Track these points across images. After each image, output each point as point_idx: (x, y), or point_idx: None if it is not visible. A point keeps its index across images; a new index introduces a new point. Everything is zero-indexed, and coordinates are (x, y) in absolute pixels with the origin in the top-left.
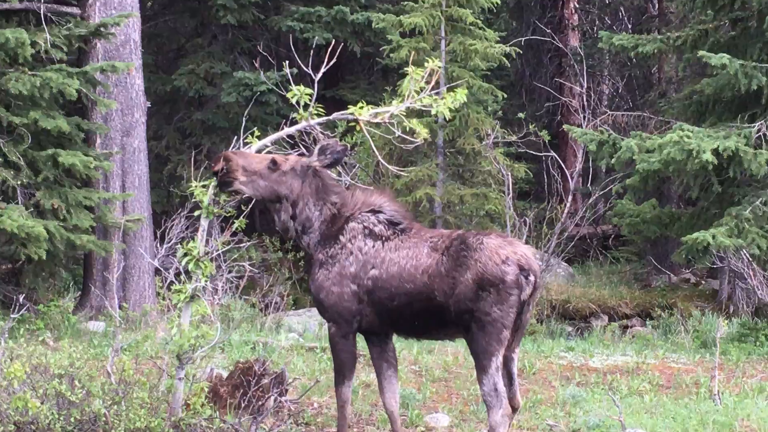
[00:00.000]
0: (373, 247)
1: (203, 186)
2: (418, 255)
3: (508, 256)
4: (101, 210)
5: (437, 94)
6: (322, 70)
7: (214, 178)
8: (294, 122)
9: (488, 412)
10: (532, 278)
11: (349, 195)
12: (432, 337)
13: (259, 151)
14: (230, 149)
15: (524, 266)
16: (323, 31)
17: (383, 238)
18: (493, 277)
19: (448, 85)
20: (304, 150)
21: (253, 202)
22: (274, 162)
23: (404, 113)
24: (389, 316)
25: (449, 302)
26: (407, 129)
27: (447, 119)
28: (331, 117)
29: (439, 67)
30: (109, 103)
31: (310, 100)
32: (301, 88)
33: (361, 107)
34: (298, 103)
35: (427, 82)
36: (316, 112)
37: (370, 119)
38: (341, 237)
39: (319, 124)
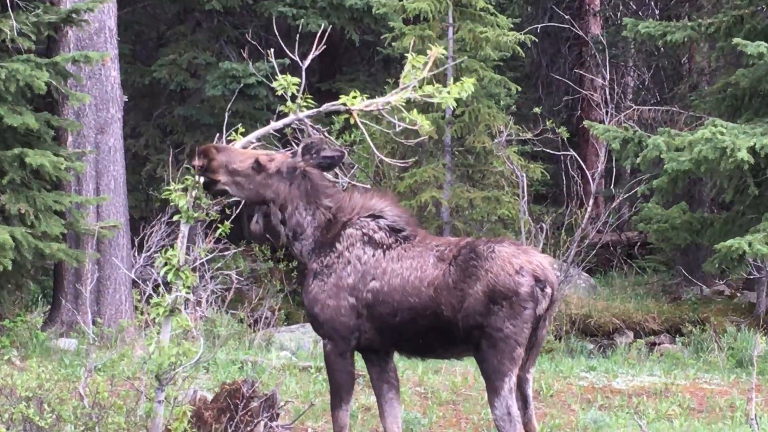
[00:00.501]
0: (373, 256)
1: (183, 189)
2: (423, 265)
3: (522, 266)
4: (73, 215)
5: (443, 84)
6: (311, 56)
7: (196, 176)
8: (282, 116)
9: None
10: (548, 290)
11: (347, 198)
12: (438, 356)
13: (244, 148)
14: (218, 144)
15: (540, 277)
16: (318, 17)
17: (384, 247)
18: (506, 289)
19: (455, 77)
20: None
21: (241, 204)
22: (258, 163)
23: (404, 105)
24: (391, 333)
25: (457, 317)
26: (408, 123)
27: (455, 114)
28: (321, 109)
29: (444, 55)
30: (81, 97)
31: (298, 91)
32: (288, 77)
33: (354, 97)
34: (285, 94)
35: (434, 76)
36: (305, 104)
37: (363, 109)
38: (338, 245)
39: (310, 117)
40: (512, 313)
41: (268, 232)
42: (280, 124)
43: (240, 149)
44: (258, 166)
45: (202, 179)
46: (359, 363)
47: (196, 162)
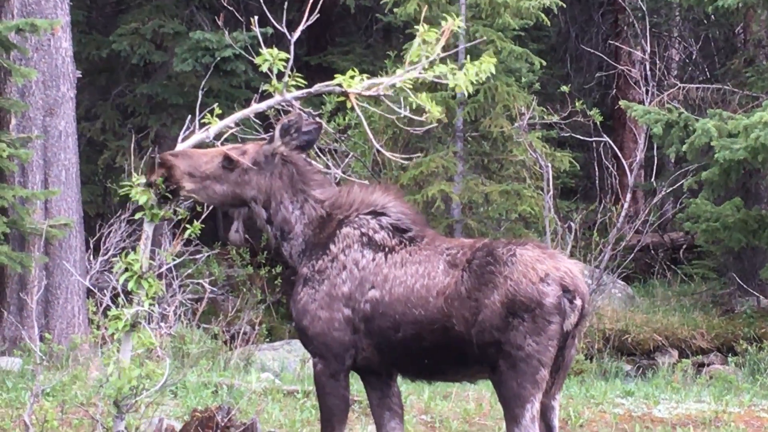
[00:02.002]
0: (373, 260)
1: (146, 183)
2: (432, 272)
3: (547, 273)
4: (17, 212)
5: (455, 62)
6: (301, 27)
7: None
8: (266, 96)
9: None
10: (578, 302)
11: (344, 192)
12: (448, 379)
13: (219, 136)
14: (179, 138)
15: (569, 286)
16: None
17: (386, 249)
18: (528, 299)
19: (469, 46)
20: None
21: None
22: (228, 159)
23: (410, 86)
24: (392, 352)
25: (471, 333)
26: (415, 107)
27: (468, 94)
28: (312, 90)
29: (460, 27)
30: (27, 72)
31: (286, 67)
32: (274, 51)
33: (352, 76)
34: (270, 71)
35: (442, 48)
36: (294, 83)
37: (362, 92)
38: (332, 246)
39: (298, 98)
40: (535, 328)
41: (249, 235)
42: (263, 105)
43: (199, 150)
44: (229, 163)
45: (157, 194)
46: (356, 386)
47: (153, 176)
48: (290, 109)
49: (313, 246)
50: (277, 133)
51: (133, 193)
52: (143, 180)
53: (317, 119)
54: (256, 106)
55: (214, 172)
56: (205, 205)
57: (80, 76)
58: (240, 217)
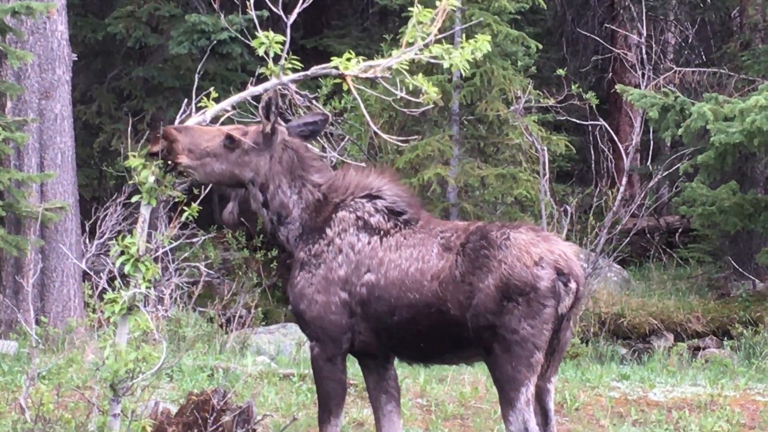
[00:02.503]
0: (369, 243)
1: (144, 160)
2: (426, 255)
3: (541, 256)
4: (12, 195)
5: (451, 44)
6: (297, 10)
7: (154, 166)
8: (262, 79)
9: None
10: (573, 285)
11: (340, 176)
12: (443, 362)
13: (216, 119)
14: (176, 122)
15: (563, 269)
16: None
17: (381, 233)
18: (522, 283)
19: (465, 28)
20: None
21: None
22: (230, 138)
23: (407, 68)
24: (388, 335)
25: (465, 316)
26: (411, 89)
27: (464, 77)
28: (308, 72)
29: (454, 8)
30: (23, 55)
31: (282, 50)
32: (270, 34)
33: (348, 59)
34: (267, 54)
35: (438, 30)
36: (290, 66)
37: (359, 74)
38: (328, 230)
39: (295, 81)
40: (530, 312)
41: (244, 218)
42: (259, 89)
43: (203, 127)
44: (231, 142)
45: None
46: (353, 369)
47: (153, 147)
48: (287, 92)
49: (309, 230)
50: (261, 113)
51: (136, 165)
52: (144, 152)
53: (325, 111)
54: (252, 89)
55: (214, 150)
56: (202, 188)
57: (76, 59)
58: (235, 199)
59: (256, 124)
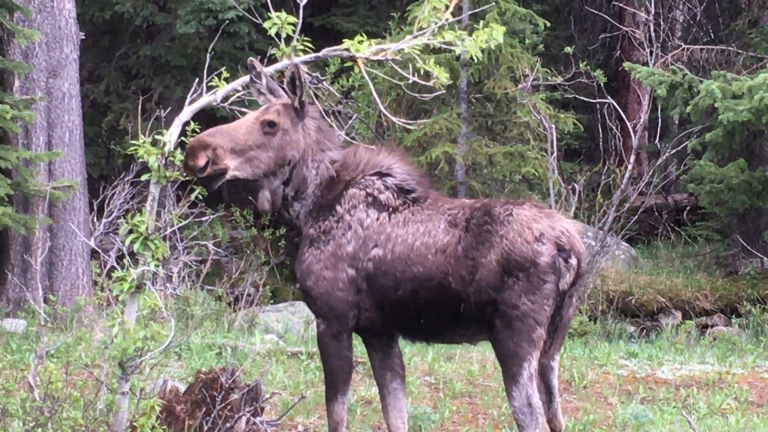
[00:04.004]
0: (377, 219)
1: (152, 142)
2: (432, 230)
3: (543, 232)
4: (21, 174)
5: (459, 23)
6: None
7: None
8: (272, 60)
9: None
10: (573, 261)
11: (351, 153)
12: (446, 340)
13: (226, 99)
14: (186, 102)
15: (564, 246)
16: None
17: (390, 209)
18: (523, 258)
19: (473, 12)
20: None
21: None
22: (270, 123)
23: (418, 50)
24: (392, 311)
25: (468, 291)
26: (421, 71)
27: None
28: (320, 54)
29: None
30: (30, 33)
31: (294, 32)
32: (283, 15)
33: (360, 41)
34: (278, 35)
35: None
36: (301, 47)
37: (370, 57)
38: (338, 207)
39: (306, 62)
40: (530, 287)
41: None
42: (270, 69)
43: (230, 125)
44: (271, 126)
45: (206, 173)
46: (358, 348)
47: (199, 161)
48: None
49: (319, 207)
50: (288, 90)
51: (141, 153)
52: (188, 169)
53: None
54: (263, 70)
55: (257, 141)
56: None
57: (83, 37)
58: (268, 186)
59: (275, 102)
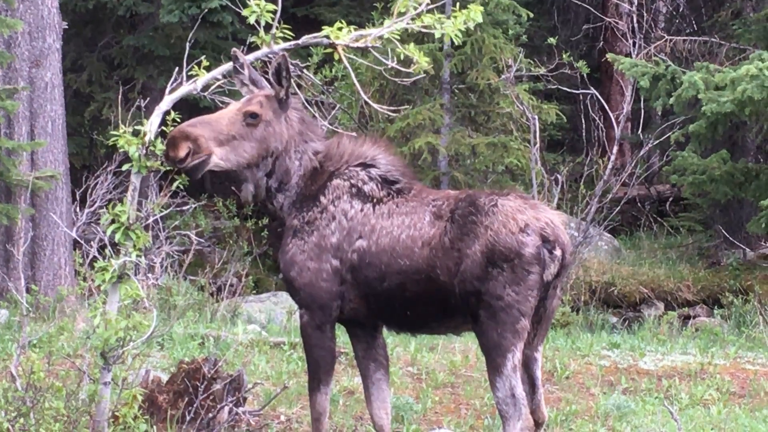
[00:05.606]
0: (361, 210)
1: (133, 132)
2: (417, 223)
3: (527, 223)
4: (3, 163)
5: (443, 14)
6: None
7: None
8: (253, 48)
9: (503, 425)
10: (558, 252)
11: (334, 144)
12: (432, 331)
13: (206, 88)
14: (167, 91)
15: (549, 237)
16: None
17: (374, 200)
18: (507, 249)
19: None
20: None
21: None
22: (253, 114)
23: (398, 37)
24: (377, 302)
25: (453, 282)
26: (402, 58)
27: (455, 45)
28: (299, 42)
29: None
30: (12, 23)
31: (273, 19)
32: (262, 3)
33: (340, 28)
34: (258, 23)
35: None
36: (281, 35)
37: (350, 44)
38: (322, 198)
39: (286, 50)
40: (514, 278)
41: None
42: (250, 57)
43: (212, 115)
44: (254, 117)
45: (190, 164)
46: (341, 339)
47: (179, 152)
48: (276, 61)
49: (303, 198)
50: (273, 81)
51: (121, 143)
52: (169, 159)
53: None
54: (246, 61)
55: (239, 132)
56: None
57: (66, 27)
58: (252, 179)
59: (258, 93)
